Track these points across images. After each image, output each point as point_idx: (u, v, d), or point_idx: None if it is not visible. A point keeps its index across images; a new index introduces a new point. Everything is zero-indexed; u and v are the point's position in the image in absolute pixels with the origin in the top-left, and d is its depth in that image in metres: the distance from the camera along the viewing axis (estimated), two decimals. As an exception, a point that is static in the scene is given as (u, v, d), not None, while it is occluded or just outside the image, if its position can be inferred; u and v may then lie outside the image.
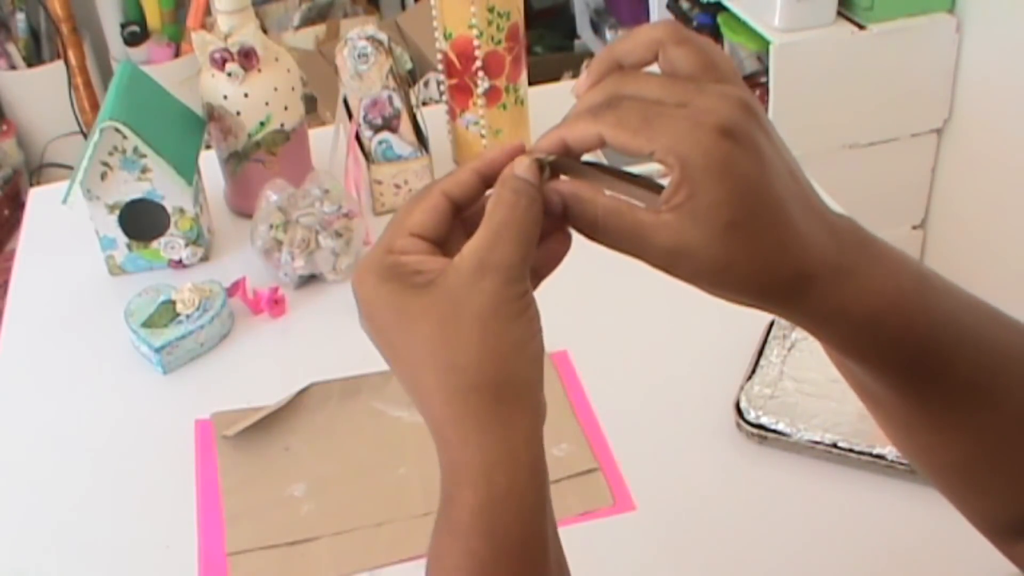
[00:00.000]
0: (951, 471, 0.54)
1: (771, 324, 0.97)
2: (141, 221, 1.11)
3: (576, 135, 0.47)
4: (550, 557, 0.48)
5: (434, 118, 1.24)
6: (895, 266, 0.48)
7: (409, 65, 1.18)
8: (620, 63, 0.49)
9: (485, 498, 0.46)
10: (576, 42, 3.10)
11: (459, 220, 0.51)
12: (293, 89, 1.15)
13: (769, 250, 0.45)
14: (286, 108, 1.15)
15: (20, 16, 2.67)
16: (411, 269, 0.48)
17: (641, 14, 2.58)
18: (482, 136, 1.22)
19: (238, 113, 1.13)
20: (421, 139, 1.19)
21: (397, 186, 1.19)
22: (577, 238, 0.51)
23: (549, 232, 0.50)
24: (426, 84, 2.34)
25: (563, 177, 0.49)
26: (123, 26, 2.67)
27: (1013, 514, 0.52)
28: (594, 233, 0.48)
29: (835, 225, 0.47)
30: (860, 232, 0.48)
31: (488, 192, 0.50)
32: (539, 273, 0.51)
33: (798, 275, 0.46)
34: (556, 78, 2.41)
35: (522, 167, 0.48)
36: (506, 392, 0.47)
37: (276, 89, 1.13)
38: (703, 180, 0.44)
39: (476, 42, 1.16)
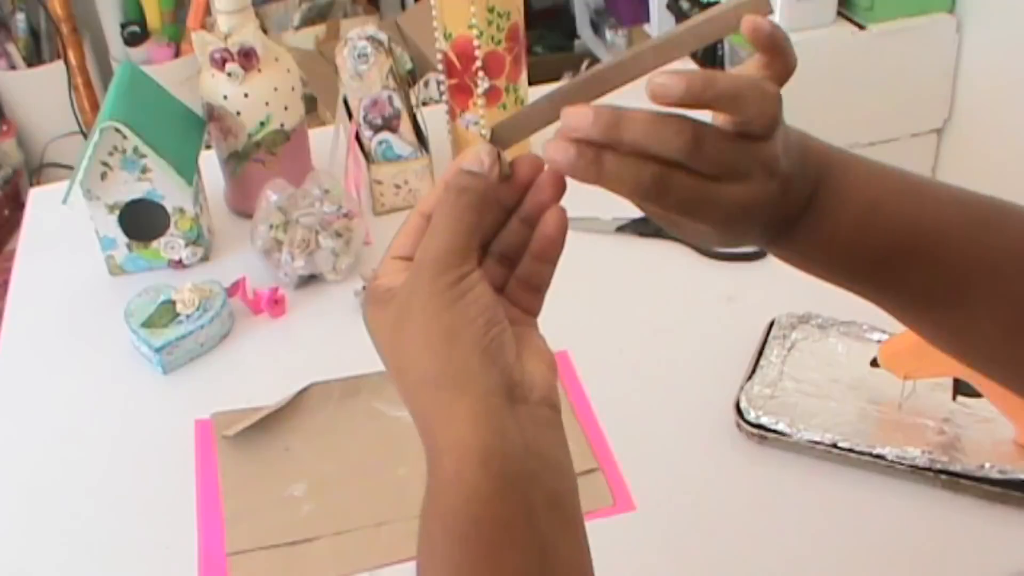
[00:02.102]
0: (958, 357, 0.60)
1: (771, 324, 0.97)
2: (141, 221, 1.11)
3: (616, 192, 0.50)
4: (516, 548, 0.47)
5: (434, 118, 1.24)
6: (835, 202, 0.54)
7: (409, 65, 1.18)
8: (707, 102, 0.49)
9: (438, 482, 0.48)
10: (576, 42, 3.10)
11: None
12: (293, 89, 1.15)
13: (739, 240, 0.55)
14: (286, 108, 1.15)
15: (20, 16, 2.67)
16: (384, 288, 0.51)
17: (641, 14, 2.57)
18: (482, 136, 1.22)
19: (238, 113, 1.13)
20: (421, 139, 1.19)
21: (397, 186, 1.19)
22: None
23: (538, 211, 0.52)
24: (426, 84, 2.34)
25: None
26: (123, 26, 2.67)
27: None
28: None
29: (794, 181, 0.53)
30: (813, 177, 0.54)
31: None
32: (542, 256, 0.53)
33: (762, 233, 0.55)
34: (556, 78, 2.41)
35: (467, 158, 0.51)
36: (445, 381, 0.48)
37: (276, 89, 1.13)
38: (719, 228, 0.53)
39: (476, 42, 1.16)
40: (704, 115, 0.50)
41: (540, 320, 0.54)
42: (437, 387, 0.48)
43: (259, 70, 1.12)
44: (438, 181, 0.52)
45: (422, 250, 0.49)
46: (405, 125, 1.18)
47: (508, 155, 0.52)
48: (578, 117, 0.49)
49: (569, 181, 0.52)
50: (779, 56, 0.52)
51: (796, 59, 0.53)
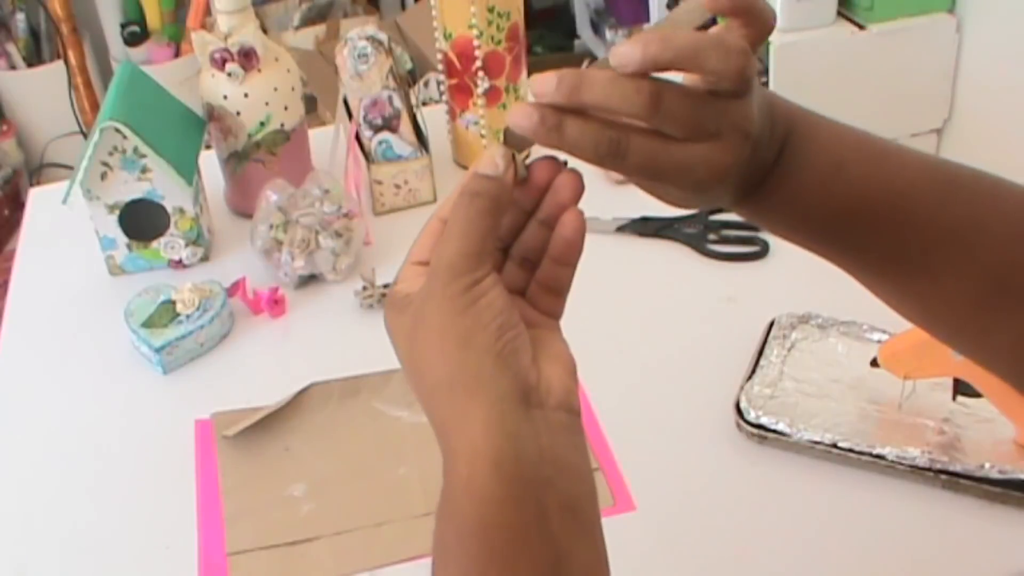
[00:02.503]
0: (923, 325, 0.60)
1: (771, 324, 0.97)
2: (141, 221, 1.11)
3: (578, 157, 0.50)
4: (530, 553, 0.46)
5: (434, 118, 1.24)
6: (801, 161, 0.54)
7: (409, 65, 1.18)
8: (665, 63, 0.49)
9: (451, 486, 0.48)
10: (576, 42, 3.10)
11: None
12: (293, 89, 1.15)
13: (707, 204, 0.56)
14: (286, 108, 1.15)
15: (20, 16, 2.67)
16: (403, 294, 0.51)
17: (641, 14, 2.58)
18: (482, 136, 1.22)
19: (238, 113, 1.13)
20: (421, 139, 1.19)
21: (397, 186, 1.19)
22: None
23: (556, 212, 0.52)
24: (426, 84, 2.34)
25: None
26: (123, 26, 2.67)
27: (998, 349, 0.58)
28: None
29: (768, 147, 0.53)
30: (782, 136, 0.54)
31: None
32: (560, 259, 0.53)
33: (731, 195, 0.55)
34: (556, 78, 2.40)
35: (482, 162, 0.51)
36: (458, 386, 0.48)
37: (276, 89, 1.13)
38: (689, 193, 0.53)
39: (476, 42, 1.16)
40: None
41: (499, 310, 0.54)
42: (451, 392, 0.48)
43: (259, 70, 1.12)
44: (457, 186, 0.52)
45: (436, 256, 0.49)
46: (405, 125, 1.18)
47: (528, 155, 0.52)
48: (544, 83, 0.49)
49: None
50: (752, 16, 0.51)
51: (774, 14, 0.52)
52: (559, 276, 0.54)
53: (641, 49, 0.48)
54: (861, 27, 1.96)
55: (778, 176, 0.54)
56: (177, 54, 2.68)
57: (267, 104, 1.13)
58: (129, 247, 1.13)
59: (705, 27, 0.52)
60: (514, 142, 0.51)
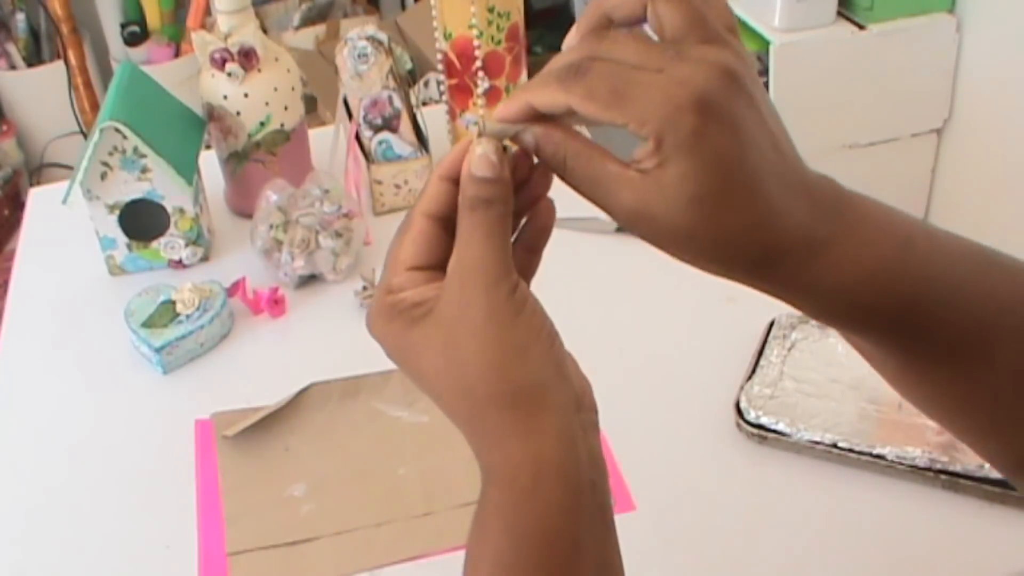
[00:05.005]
0: (953, 416, 0.54)
1: (771, 324, 0.97)
2: (141, 221, 1.11)
3: (544, 102, 0.46)
4: (583, 558, 0.46)
5: (434, 118, 1.24)
6: (874, 233, 0.47)
7: (409, 65, 1.18)
8: (609, 17, 0.48)
9: (508, 497, 0.46)
10: (576, 42, 3.10)
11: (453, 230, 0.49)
12: (293, 89, 1.15)
13: (736, 226, 0.44)
14: (286, 108, 1.15)
15: (20, 16, 2.67)
16: (410, 303, 0.48)
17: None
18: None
19: (238, 113, 1.13)
20: (421, 139, 1.19)
21: (397, 186, 1.19)
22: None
23: (529, 205, 0.50)
24: (426, 84, 2.34)
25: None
26: (123, 26, 2.67)
27: (1021, 453, 0.52)
28: (563, 174, 0.47)
29: (815, 194, 0.46)
30: (839, 199, 0.47)
31: None
32: (532, 247, 0.51)
33: (768, 250, 0.45)
34: (556, 78, 2.40)
35: (476, 163, 0.47)
36: (521, 398, 0.46)
37: (276, 89, 1.13)
38: (673, 153, 0.42)
39: (476, 42, 1.16)
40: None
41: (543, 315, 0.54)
42: (512, 406, 0.46)
43: (259, 70, 1.12)
44: (432, 176, 0.50)
45: (459, 263, 0.47)
46: (405, 125, 1.18)
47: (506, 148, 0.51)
48: None
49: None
50: None
51: None
52: (530, 262, 0.52)
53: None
54: (861, 27, 1.96)
55: (843, 251, 0.47)
56: (177, 54, 2.68)
57: (267, 104, 1.13)
58: (129, 247, 1.13)
59: None
60: (491, 133, 0.48)
